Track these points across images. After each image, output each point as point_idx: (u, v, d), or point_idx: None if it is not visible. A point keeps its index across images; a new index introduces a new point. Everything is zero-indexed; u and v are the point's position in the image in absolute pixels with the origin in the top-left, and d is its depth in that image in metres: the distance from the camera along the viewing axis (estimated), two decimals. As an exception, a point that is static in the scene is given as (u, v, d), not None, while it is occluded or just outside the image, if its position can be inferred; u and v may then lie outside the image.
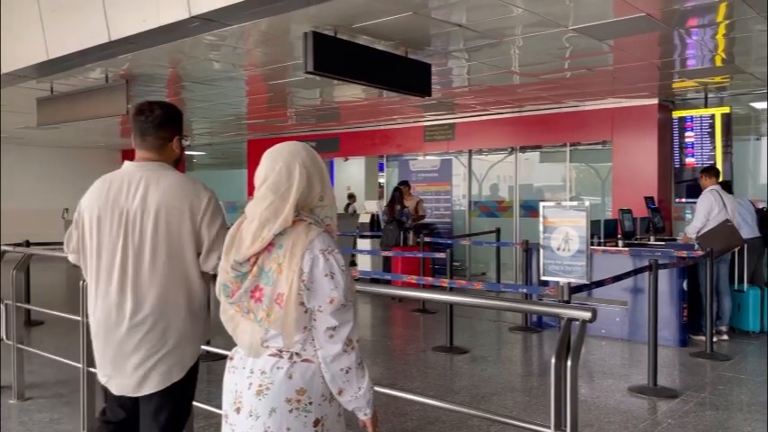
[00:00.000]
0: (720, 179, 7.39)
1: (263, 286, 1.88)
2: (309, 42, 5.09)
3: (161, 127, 2.58)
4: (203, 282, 2.58)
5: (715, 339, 6.44)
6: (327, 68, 5.28)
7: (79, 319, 4.28)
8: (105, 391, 2.69)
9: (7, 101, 9.00)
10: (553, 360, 2.19)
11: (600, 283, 4.55)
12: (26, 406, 4.77)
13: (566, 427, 2.19)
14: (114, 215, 2.51)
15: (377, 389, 2.22)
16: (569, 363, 2.16)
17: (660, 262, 6.29)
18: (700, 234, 6.80)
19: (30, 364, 5.42)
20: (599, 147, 10.17)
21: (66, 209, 15.91)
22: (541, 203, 4.07)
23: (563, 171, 10.75)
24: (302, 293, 1.84)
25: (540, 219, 4.00)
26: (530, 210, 10.69)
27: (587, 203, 3.97)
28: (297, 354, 1.90)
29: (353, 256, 10.56)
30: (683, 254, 6.49)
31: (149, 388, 2.52)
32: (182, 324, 2.53)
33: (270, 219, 1.87)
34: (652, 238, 8.33)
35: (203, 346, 2.77)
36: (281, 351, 1.90)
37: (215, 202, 2.58)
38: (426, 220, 11.71)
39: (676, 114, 9.24)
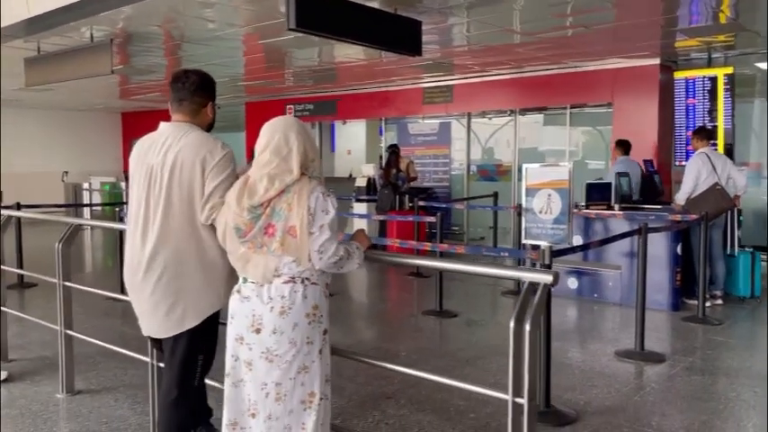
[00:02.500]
0: (721, 141, 7.20)
1: (275, 223, 2.37)
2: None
3: (196, 92, 2.78)
4: (214, 237, 2.64)
5: (709, 304, 6.36)
6: (310, 25, 5.11)
7: (55, 281, 4.26)
8: None
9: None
10: (511, 324, 2.11)
11: (585, 247, 4.46)
12: (8, 367, 4.76)
13: (523, 394, 2.11)
14: (142, 170, 2.74)
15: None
16: (528, 327, 2.08)
17: (653, 226, 6.23)
18: (689, 199, 6.62)
19: (18, 326, 5.43)
20: (602, 109, 9.96)
21: (66, 172, 15.91)
22: (524, 165, 3.95)
23: (566, 134, 10.54)
24: (309, 224, 2.34)
25: (523, 181, 3.89)
26: (529, 173, 10.52)
27: (570, 165, 3.86)
28: (307, 278, 2.40)
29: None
30: (678, 218, 6.36)
31: (164, 332, 2.74)
32: (193, 273, 2.67)
33: (278, 174, 2.38)
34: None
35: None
36: (294, 278, 2.38)
37: (226, 160, 2.67)
38: (424, 184, 11.61)
39: (678, 75, 9.00)
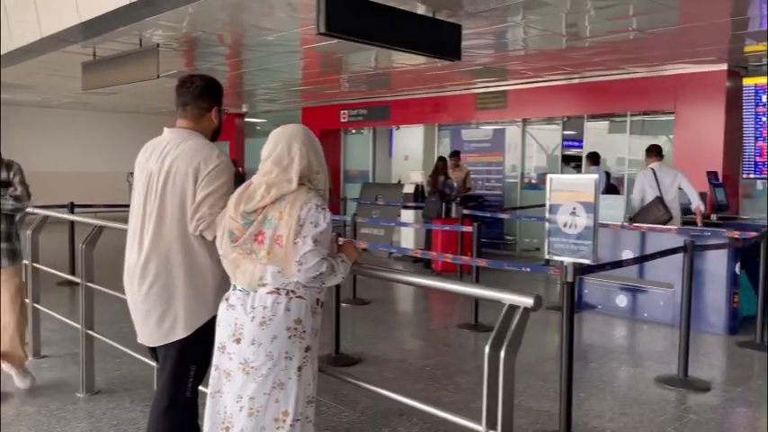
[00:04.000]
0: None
1: (265, 230, 2.30)
2: (322, 1, 4.83)
3: (200, 97, 2.73)
4: (205, 247, 2.59)
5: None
6: (342, 29, 5.02)
7: (79, 281, 4.31)
8: None
9: (58, 66, 9.25)
10: (486, 349, 1.93)
11: (617, 265, 4.15)
12: (40, 363, 4.88)
13: (497, 426, 1.92)
14: (142, 176, 2.69)
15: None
16: (503, 354, 1.88)
17: (709, 243, 5.82)
18: (636, 213, 7.12)
19: (52, 322, 5.56)
20: (665, 116, 9.45)
21: (131, 173, 16.48)
22: (548, 175, 3.72)
23: (626, 142, 10.05)
24: (297, 235, 2.25)
25: (547, 192, 3.66)
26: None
27: (596, 175, 3.59)
28: (292, 291, 2.31)
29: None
30: (736, 235, 5.91)
31: (155, 340, 2.69)
32: (183, 283, 2.61)
33: (276, 183, 2.32)
34: (714, 216, 7.70)
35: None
36: (278, 289, 2.30)
37: (220, 170, 2.59)
38: (476, 192, 11.35)
39: (747, 81, 8.42)
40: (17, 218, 4.39)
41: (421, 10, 5.77)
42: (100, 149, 17.68)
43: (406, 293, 8.02)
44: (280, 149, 2.37)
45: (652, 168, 7.18)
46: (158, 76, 6.98)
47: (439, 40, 5.81)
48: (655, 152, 7.36)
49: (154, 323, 2.66)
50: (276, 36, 7.21)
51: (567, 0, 5.56)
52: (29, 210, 4.57)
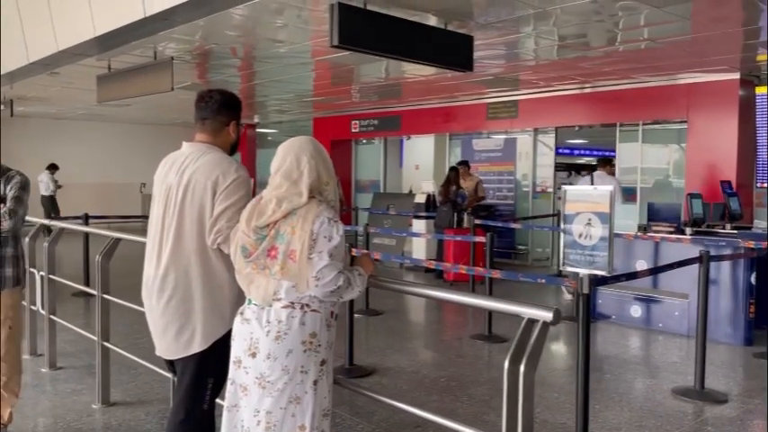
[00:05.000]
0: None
1: (277, 246, 2.30)
2: (335, 14, 4.87)
3: (219, 111, 2.76)
4: (222, 260, 2.61)
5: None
6: (355, 42, 5.05)
7: (94, 292, 4.35)
8: None
9: (73, 78, 9.35)
10: (506, 364, 1.92)
11: (632, 276, 4.14)
12: (56, 375, 4.92)
13: (517, 441, 1.91)
14: (162, 190, 2.73)
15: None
16: (522, 368, 1.88)
17: (724, 253, 5.78)
18: None
19: (68, 333, 5.60)
20: (677, 125, 9.41)
21: (144, 183, 16.60)
22: (563, 186, 3.71)
23: (638, 150, 10.00)
24: (311, 249, 2.25)
25: (562, 203, 3.65)
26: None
27: (611, 187, 3.58)
28: (307, 305, 2.31)
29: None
30: (751, 244, 5.87)
31: (173, 353, 2.71)
32: (201, 297, 2.62)
33: (286, 197, 2.32)
34: (727, 225, 7.64)
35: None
36: (293, 303, 2.30)
37: (238, 183, 2.61)
38: (488, 202, 11.33)
39: (760, 90, 8.38)
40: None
41: (432, 21, 5.80)
42: (114, 161, 17.84)
43: (418, 304, 8.00)
44: (288, 163, 2.37)
45: (592, 175, 8.43)
46: (173, 89, 7.04)
47: (451, 51, 5.83)
48: (600, 163, 8.84)
49: (172, 336, 2.68)
50: (288, 48, 7.26)
51: (578, 11, 5.55)
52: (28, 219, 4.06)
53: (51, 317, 5.05)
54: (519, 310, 1.99)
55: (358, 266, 2.46)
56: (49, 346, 5.04)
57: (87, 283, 7.47)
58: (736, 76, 8.38)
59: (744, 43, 6.95)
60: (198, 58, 7.89)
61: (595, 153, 15.14)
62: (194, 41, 6.98)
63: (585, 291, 3.46)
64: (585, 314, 3.43)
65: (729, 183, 8.10)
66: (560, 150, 11.94)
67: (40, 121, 16.65)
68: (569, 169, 14.09)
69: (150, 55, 7.43)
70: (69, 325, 5.07)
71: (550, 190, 11.14)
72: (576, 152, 16.34)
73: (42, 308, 5.12)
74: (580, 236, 3.59)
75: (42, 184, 14.98)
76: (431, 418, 2.32)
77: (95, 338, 4.33)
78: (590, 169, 10.02)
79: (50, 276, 5.04)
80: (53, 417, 4.10)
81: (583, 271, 3.55)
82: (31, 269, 5.18)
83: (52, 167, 15.22)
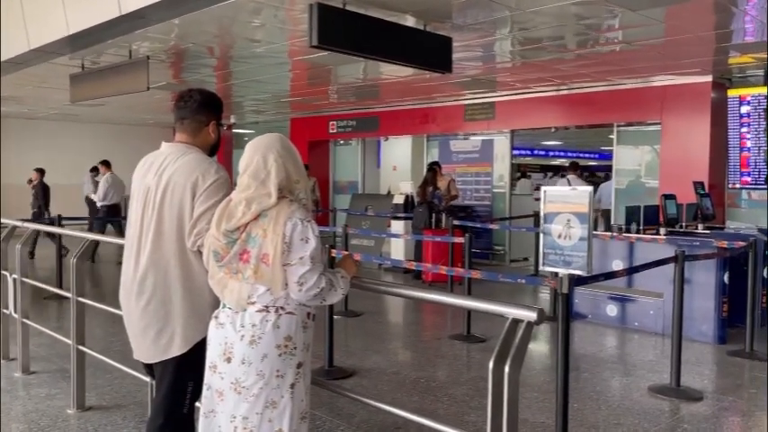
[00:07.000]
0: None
1: (249, 249, 2.26)
2: (314, 14, 4.85)
3: (198, 111, 2.71)
4: (202, 262, 2.56)
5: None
6: (334, 42, 5.04)
7: (68, 295, 4.27)
8: None
9: (46, 78, 9.18)
10: (490, 364, 1.93)
11: (611, 275, 4.19)
12: (29, 380, 4.82)
13: (502, 441, 1.92)
14: (140, 191, 2.68)
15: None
16: (507, 369, 1.89)
17: (698, 252, 5.87)
18: None
19: (41, 337, 5.49)
20: (651, 127, 9.54)
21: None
22: (543, 188, 3.75)
23: (613, 152, 10.13)
24: (284, 253, 2.20)
25: (541, 204, 3.68)
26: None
27: (590, 187, 3.63)
28: (281, 308, 2.27)
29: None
30: (724, 244, 5.97)
31: (152, 357, 2.66)
32: (180, 300, 2.58)
33: (255, 199, 2.26)
34: (700, 226, 7.77)
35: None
36: (267, 307, 2.26)
37: (218, 185, 2.58)
38: (465, 202, 11.38)
39: (732, 93, 8.55)
40: None
41: (411, 22, 5.81)
42: (88, 161, 17.52)
43: (397, 305, 8.00)
44: (256, 163, 2.32)
45: (568, 178, 9.24)
46: (148, 88, 6.94)
47: (430, 52, 5.85)
48: (571, 167, 9.95)
49: (151, 339, 2.64)
50: (265, 48, 7.21)
51: (555, 13, 5.60)
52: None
53: (24, 320, 4.95)
54: (503, 310, 2.00)
55: (340, 268, 2.44)
56: (21, 350, 4.93)
57: (60, 286, 7.34)
58: (709, 78, 8.53)
59: (716, 46, 7.07)
60: (174, 57, 7.81)
61: (582, 155, 15.36)
62: (170, 40, 6.90)
63: (565, 290, 3.50)
64: (565, 314, 3.46)
65: (702, 183, 8.25)
66: (536, 152, 12.08)
67: (11, 122, 16.31)
68: (544, 171, 14.27)
69: (125, 54, 7.33)
70: (42, 328, 4.97)
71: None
72: (551, 153, 16.54)
73: (15, 311, 5.01)
74: (559, 236, 3.62)
75: None
76: (412, 419, 2.33)
77: (70, 342, 4.25)
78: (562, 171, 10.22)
79: (23, 279, 4.94)
80: (27, 422, 4.01)
81: (562, 271, 3.57)
82: (3, 272, 5.09)
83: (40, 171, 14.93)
